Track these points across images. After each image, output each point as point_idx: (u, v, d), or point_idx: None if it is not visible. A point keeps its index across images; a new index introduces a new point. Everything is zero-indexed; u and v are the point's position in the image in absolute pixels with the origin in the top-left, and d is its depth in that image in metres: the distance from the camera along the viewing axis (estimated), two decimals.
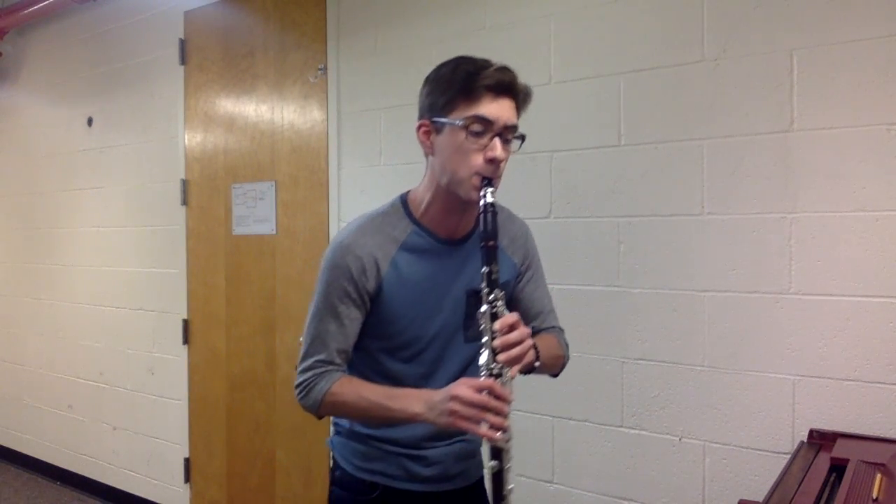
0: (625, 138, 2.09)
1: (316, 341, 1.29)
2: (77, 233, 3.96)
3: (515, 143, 1.28)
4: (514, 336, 1.15)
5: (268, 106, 3.02)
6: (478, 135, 1.21)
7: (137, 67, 3.60)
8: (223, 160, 3.21)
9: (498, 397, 1.13)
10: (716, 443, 1.95)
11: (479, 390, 1.12)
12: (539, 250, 2.26)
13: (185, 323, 3.37)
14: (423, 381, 1.32)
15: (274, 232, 3.01)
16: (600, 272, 2.14)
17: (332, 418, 1.45)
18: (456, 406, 1.12)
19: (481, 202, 1.21)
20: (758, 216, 1.88)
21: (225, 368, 3.22)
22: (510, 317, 1.16)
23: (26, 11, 3.94)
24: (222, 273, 3.21)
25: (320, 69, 2.81)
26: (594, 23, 2.15)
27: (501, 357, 1.14)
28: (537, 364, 1.28)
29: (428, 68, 2.48)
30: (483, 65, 1.26)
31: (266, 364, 3.07)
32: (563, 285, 2.22)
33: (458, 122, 1.22)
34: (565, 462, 2.22)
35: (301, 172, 2.92)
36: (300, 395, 1.30)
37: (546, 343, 1.37)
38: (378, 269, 1.28)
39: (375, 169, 2.63)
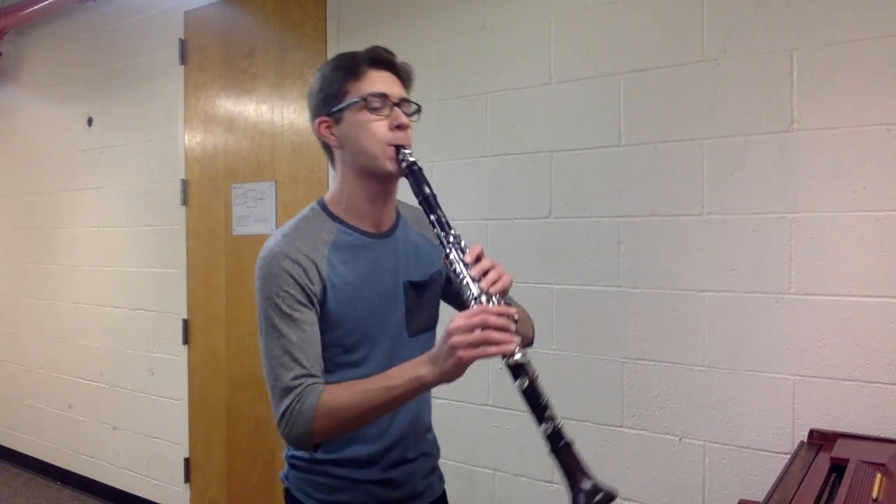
0: (625, 138, 2.10)
1: (283, 362, 1.17)
2: (77, 233, 3.96)
3: (414, 116, 1.33)
4: (485, 263, 1.14)
5: (268, 106, 3.02)
6: (377, 109, 1.24)
7: (137, 67, 3.60)
8: (223, 160, 3.21)
9: (497, 314, 1.07)
10: (716, 443, 1.95)
11: (474, 315, 1.06)
12: (539, 250, 2.27)
13: (185, 323, 3.37)
14: None
15: (274, 232, 3.01)
16: (600, 272, 2.14)
17: (285, 453, 1.36)
18: (456, 339, 1.05)
19: (403, 164, 1.23)
20: (758, 216, 1.88)
21: (225, 368, 3.22)
22: (476, 246, 1.16)
23: (26, 11, 3.94)
24: (222, 273, 3.21)
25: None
26: (594, 23, 2.15)
27: (484, 283, 1.11)
28: (515, 317, 1.25)
29: (428, 68, 2.51)
30: (365, 49, 1.30)
31: None
32: (563, 285, 2.22)
33: (356, 99, 1.24)
34: None
35: (301, 172, 2.92)
36: (287, 425, 1.15)
37: (520, 311, 1.37)
38: (318, 270, 1.22)
39: None
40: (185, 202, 3.37)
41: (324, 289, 1.23)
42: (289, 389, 1.16)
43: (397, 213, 1.38)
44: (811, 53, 1.80)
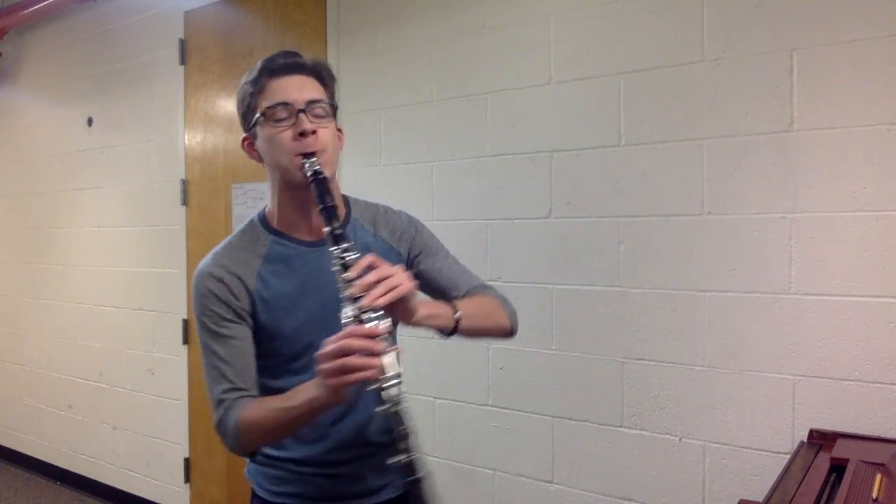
0: (625, 138, 2.10)
1: (214, 376, 1.21)
2: (77, 233, 3.96)
3: (325, 119, 1.25)
4: (371, 276, 1.06)
5: None
6: (281, 120, 1.22)
7: (137, 67, 3.60)
8: (223, 160, 3.21)
9: (362, 337, 1.02)
10: (716, 443, 1.95)
11: (337, 340, 1.02)
12: (539, 250, 2.27)
13: (185, 323, 3.37)
14: None
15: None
16: (600, 272, 2.14)
17: None
18: (321, 366, 1.02)
19: (309, 173, 1.18)
20: (758, 216, 1.88)
21: None
22: (364, 259, 1.08)
23: (26, 11, 3.94)
24: None
25: None
26: (594, 23, 2.15)
27: (366, 300, 1.04)
28: (458, 315, 1.21)
29: (428, 68, 2.51)
30: (264, 59, 1.28)
31: None
32: (563, 285, 2.22)
33: (259, 115, 1.23)
34: (565, 462, 2.22)
35: None
36: (222, 437, 1.21)
37: (469, 302, 1.31)
38: (245, 286, 1.24)
39: (375, 169, 2.64)
40: (185, 202, 3.37)
41: (252, 303, 1.24)
42: (219, 403, 1.20)
43: (347, 214, 1.36)
44: (811, 53, 1.80)
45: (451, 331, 1.23)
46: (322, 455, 1.30)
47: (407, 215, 1.44)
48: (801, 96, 1.82)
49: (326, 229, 1.14)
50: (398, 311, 1.10)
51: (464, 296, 1.36)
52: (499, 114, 2.35)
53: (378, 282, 1.06)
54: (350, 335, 1.02)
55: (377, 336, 1.02)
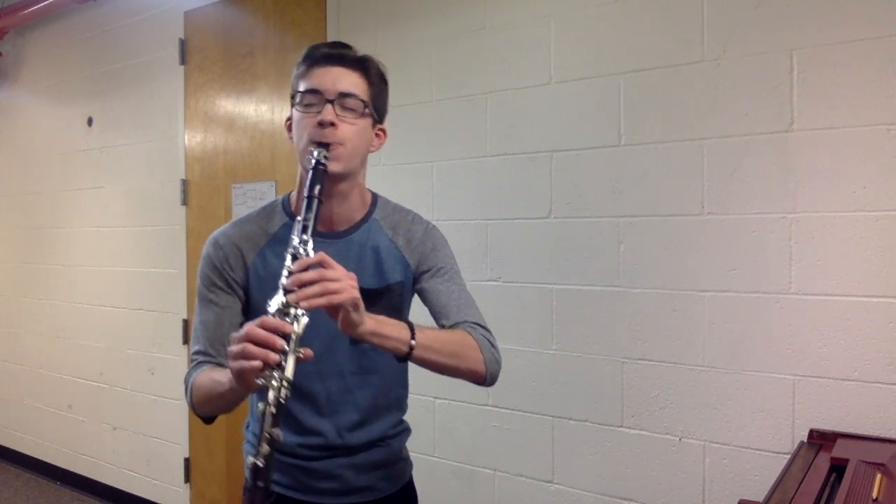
0: (625, 138, 2.10)
1: (195, 335, 1.27)
2: (77, 233, 3.96)
3: (352, 114, 1.24)
4: (309, 275, 1.02)
5: (268, 106, 3.02)
6: (310, 106, 1.23)
7: (137, 67, 3.60)
8: (223, 160, 3.21)
9: (270, 329, 0.98)
10: (716, 443, 1.95)
11: (251, 325, 0.99)
12: (539, 250, 2.27)
13: (185, 323, 3.37)
14: (316, 378, 1.27)
15: None
16: (600, 272, 2.14)
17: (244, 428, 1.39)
18: (230, 347, 1.00)
19: (312, 161, 1.16)
20: (758, 216, 1.88)
21: None
22: (315, 256, 1.06)
23: (26, 11, 3.94)
24: None
25: None
26: (594, 23, 2.15)
27: (291, 297, 1.01)
28: (413, 342, 1.15)
29: (428, 68, 2.51)
30: (311, 46, 1.30)
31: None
32: (563, 285, 2.22)
33: (294, 100, 1.26)
34: (565, 462, 2.22)
35: None
36: (185, 396, 1.24)
37: (440, 334, 1.24)
38: (243, 259, 1.28)
39: (375, 169, 2.63)
40: (185, 202, 3.37)
41: (246, 277, 1.28)
42: (190, 361, 1.27)
43: (368, 214, 1.34)
44: (811, 53, 1.80)
45: (403, 357, 1.17)
46: (299, 446, 1.30)
47: (431, 230, 1.39)
48: (801, 96, 1.82)
49: (298, 218, 1.11)
50: (337, 318, 1.06)
51: (449, 327, 1.30)
52: (499, 114, 2.35)
53: (315, 282, 1.02)
54: (260, 325, 0.99)
55: (286, 334, 0.99)
